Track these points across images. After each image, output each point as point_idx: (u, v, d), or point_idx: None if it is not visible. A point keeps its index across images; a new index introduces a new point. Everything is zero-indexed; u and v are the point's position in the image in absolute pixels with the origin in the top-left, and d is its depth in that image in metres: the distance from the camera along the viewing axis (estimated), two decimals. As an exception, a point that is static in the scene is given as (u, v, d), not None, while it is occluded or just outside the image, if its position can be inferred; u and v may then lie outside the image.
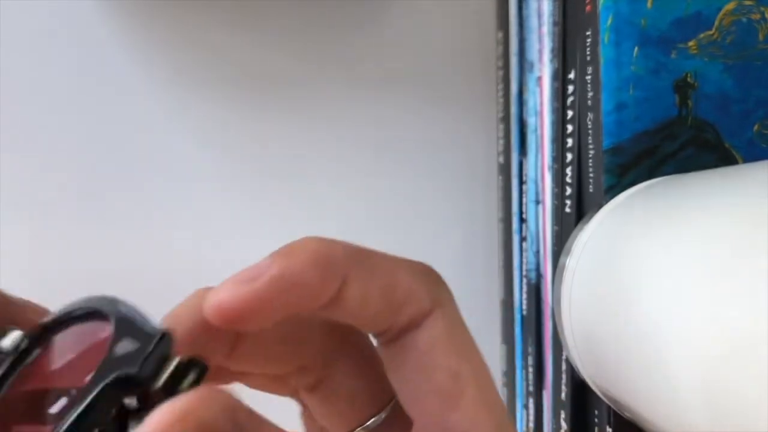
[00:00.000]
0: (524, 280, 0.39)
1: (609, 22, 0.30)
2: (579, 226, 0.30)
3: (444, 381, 0.16)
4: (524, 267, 0.39)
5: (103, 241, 0.43)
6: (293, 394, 0.20)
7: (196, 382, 0.14)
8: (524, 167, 0.39)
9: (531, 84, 0.38)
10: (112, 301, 0.16)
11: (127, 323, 0.15)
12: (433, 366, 0.16)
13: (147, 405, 0.13)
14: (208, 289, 0.16)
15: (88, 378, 0.14)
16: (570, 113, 0.33)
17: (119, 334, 0.14)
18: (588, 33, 0.31)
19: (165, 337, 0.14)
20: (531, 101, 0.38)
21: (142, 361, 0.14)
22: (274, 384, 0.19)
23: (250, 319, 0.15)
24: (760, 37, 0.31)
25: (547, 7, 0.35)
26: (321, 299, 0.15)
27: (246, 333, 0.17)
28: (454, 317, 0.17)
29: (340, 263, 0.15)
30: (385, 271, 0.16)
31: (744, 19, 0.30)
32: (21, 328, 0.16)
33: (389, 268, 0.16)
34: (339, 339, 0.18)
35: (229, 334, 0.17)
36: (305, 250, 0.15)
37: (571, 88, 0.33)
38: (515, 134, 0.40)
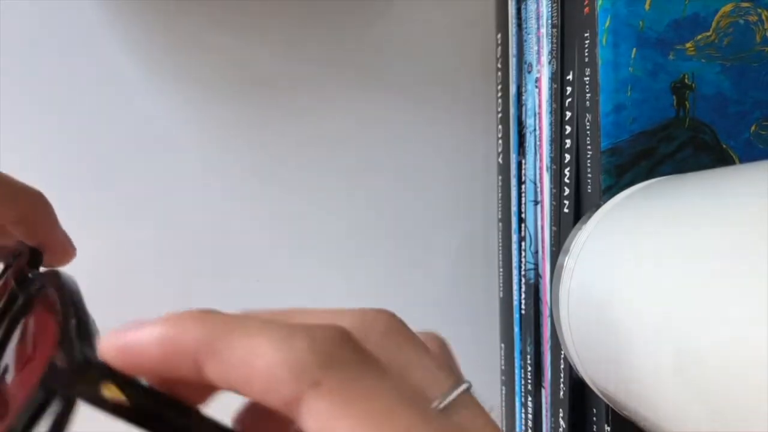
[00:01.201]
0: (523, 280, 0.39)
1: (607, 23, 0.30)
2: (577, 226, 0.30)
3: None
4: (523, 267, 0.40)
5: (99, 241, 0.43)
6: None
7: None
8: (523, 168, 0.39)
9: (529, 85, 0.38)
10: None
11: None
12: None
13: None
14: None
15: None
16: (568, 114, 0.33)
17: None
18: (586, 35, 0.31)
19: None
20: (529, 102, 0.38)
21: None
22: None
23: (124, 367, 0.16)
24: (757, 38, 0.31)
25: (545, 9, 0.35)
26: (173, 374, 0.15)
27: None
28: (339, 389, 0.14)
29: (188, 348, 0.15)
30: (239, 359, 0.15)
31: (741, 21, 0.31)
32: None
33: (244, 356, 0.15)
34: None
35: None
36: (159, 325, 0.15)
37: (569, 89, 0.33)
38: (513, 135, 0.40)
